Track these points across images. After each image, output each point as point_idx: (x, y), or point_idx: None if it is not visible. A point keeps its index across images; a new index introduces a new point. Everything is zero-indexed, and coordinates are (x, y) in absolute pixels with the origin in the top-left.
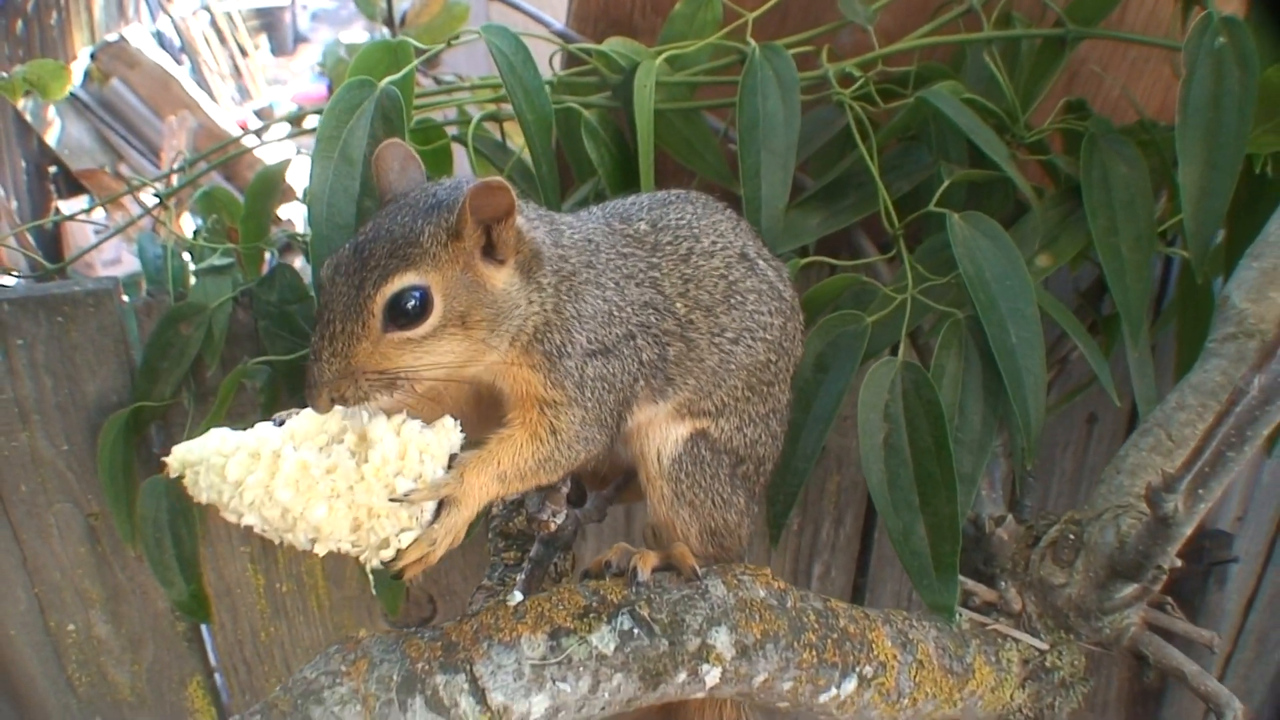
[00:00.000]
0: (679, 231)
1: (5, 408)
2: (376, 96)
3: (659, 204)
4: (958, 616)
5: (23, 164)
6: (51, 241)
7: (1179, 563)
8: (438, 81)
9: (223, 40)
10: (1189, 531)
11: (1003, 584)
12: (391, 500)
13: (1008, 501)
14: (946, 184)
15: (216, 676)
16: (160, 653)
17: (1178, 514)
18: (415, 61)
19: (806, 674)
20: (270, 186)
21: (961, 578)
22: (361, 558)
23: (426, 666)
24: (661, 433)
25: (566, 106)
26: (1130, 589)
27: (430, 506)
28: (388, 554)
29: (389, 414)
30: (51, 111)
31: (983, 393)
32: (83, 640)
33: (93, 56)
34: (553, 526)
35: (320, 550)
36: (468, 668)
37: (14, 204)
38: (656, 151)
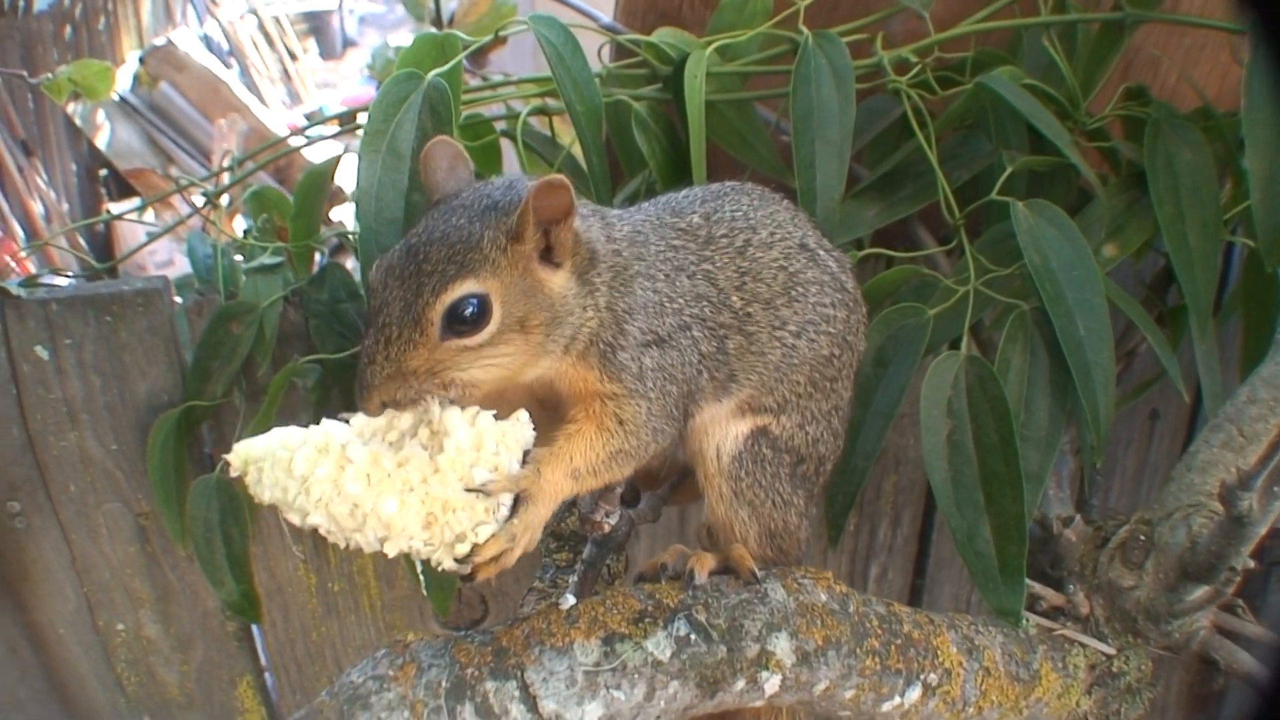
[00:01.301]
0: (734, 224)
1: (54, 407)
2: (424, 89)
3: (713, 196)
4: (1024, 621)
5: (73, 167)
6: (103, 245)
7: (1253, 564)
8: (485, 80)
9: (271, 44)
10: (1264, 530)
11: (1070, 587)
12: (468, 491)
13: (1075, 501)
14: (1009, 171)
15: (267, 676)
16: (210, 652)
17: (1252, 512)
18: (462, 53)
19: (869, 682)
20: (319, 184)
21: (1028, 581)
22: (434, 558)
23: (476, 672)
24: (722, 429)
25: (616, 99)
26: (1201, 591)
27: (508, 500)
28: (463, 549)
29: (462, 407)
30: (101, 115)
31: (1049, 387)
32: (132, 640)
33: (141, 60)
34: (606, 527)
35: (390, 550)
36: (519, 674)
37: (65, 206)
38: (708, 144)
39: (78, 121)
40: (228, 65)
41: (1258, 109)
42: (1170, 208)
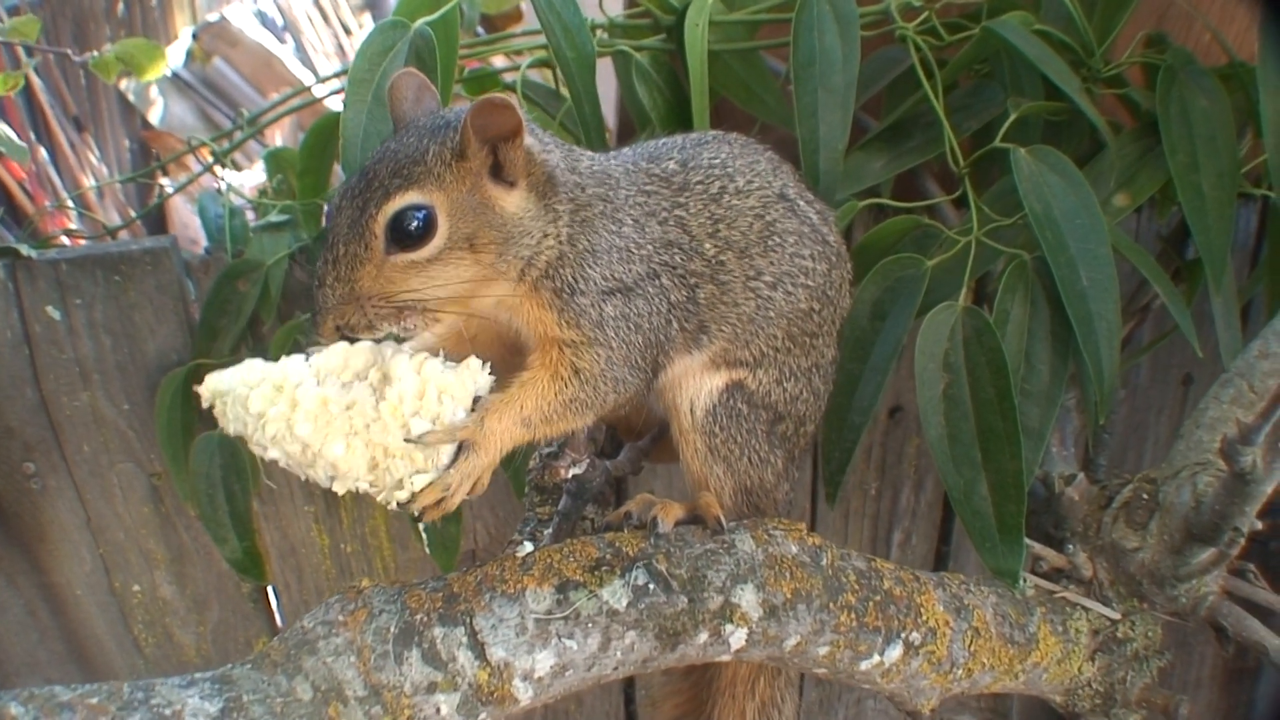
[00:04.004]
0: (711, 171)
1: (66, 367)
2: (410, 37)
3: (693, 144)
4: (1022, 582)
5: (126, 143)
6: (158, 219)
7: (1260, 525)
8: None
9: (325, 19)
10: (1270, 489)
11: (1072, 548)
12: (406, 441)
13: (1081, 460)
14: (1014, 118)
15: None
16: (225, 614)
17: (1256, 469)
18: (454, 1)
19: (845, 638)
20: (325, 140)
21: (1028, 541)
22: (380, 498)
23: (425, 618)
24: (696, 383)
25: (619, 50)
26: (1207, 554)
27: (448, 450)
28: (402, 495)
29: (412, 353)
30: (154, 91)
31: (1051, 341)
32: (148, 601)
33: (194, 36)
34: (563, 474)
35: (339, 489)
36: (468, 620)
37: (118, 182)
38: (716, 96)
39: (130, 97)
40: (282, 40)
41: (1273, 52)
42: (1184, 156)
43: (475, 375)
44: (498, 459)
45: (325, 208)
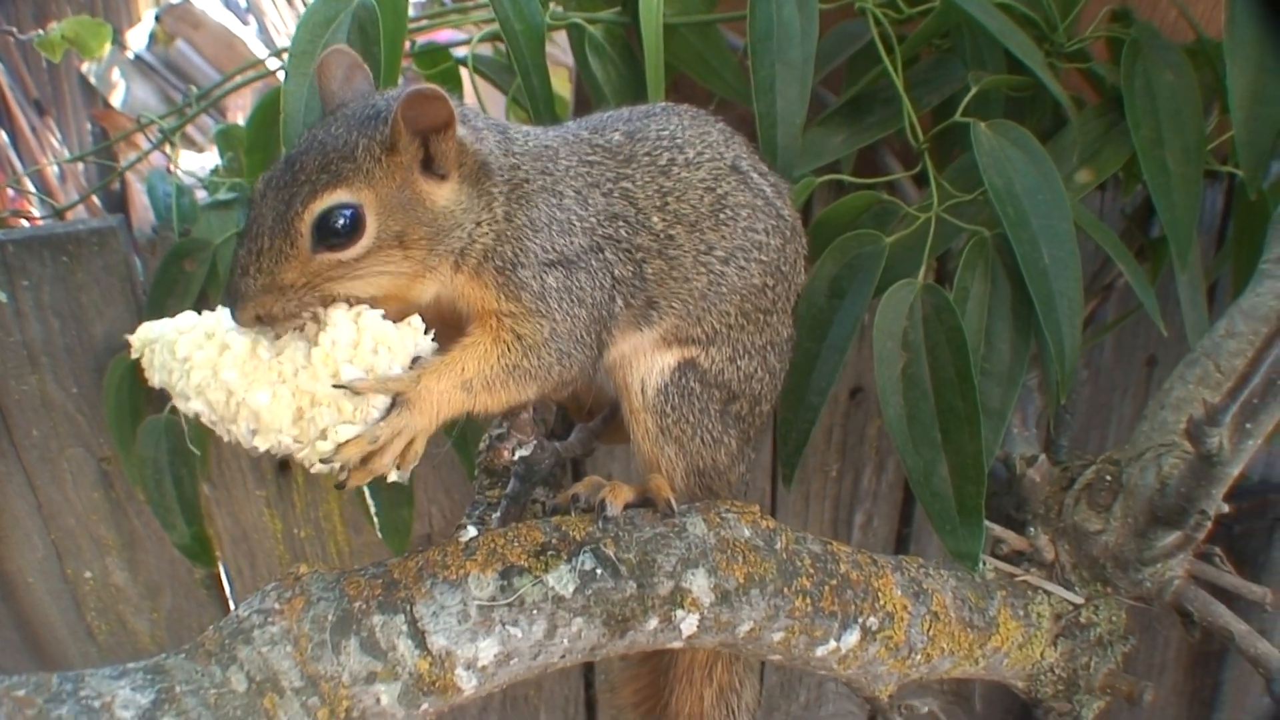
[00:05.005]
0: (659, 142)
1: (14, 350)
2: (352, 8)
3: (641, 116)
4: (982, 565)
5: (88, 126)
6: (119, 202)
7: (1226, 508)
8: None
9: (289, 1)
10: (1236, 471)
11: (1033, 531)
12: (335, 388)
13: (1043, 441)
14: (974, 91)
15: None
16: (179, 600)
17: (1222, 451)
18: None
19: (800, 624)
20: (273, 115)
21: (989, 524)
22: (302, 456)
23: (364, 606)
24: (647, 361)
25: (572, 22)
26: (1172, 537)
27: (380, 404)
28: (325, 447)
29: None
30: (116, 73)
31: (1013, 319)
32: (100, 588)
33: (157, 18)
34: (507, 455)
35: (261, 444)
36: (407, 608)
37: (80, 165)
38: (673, 71)
39: (92, 80)
40: (245, 23)
41: (1241, 24)
42: (1148, 131)
43: (416, 335)
44: (434, 424)
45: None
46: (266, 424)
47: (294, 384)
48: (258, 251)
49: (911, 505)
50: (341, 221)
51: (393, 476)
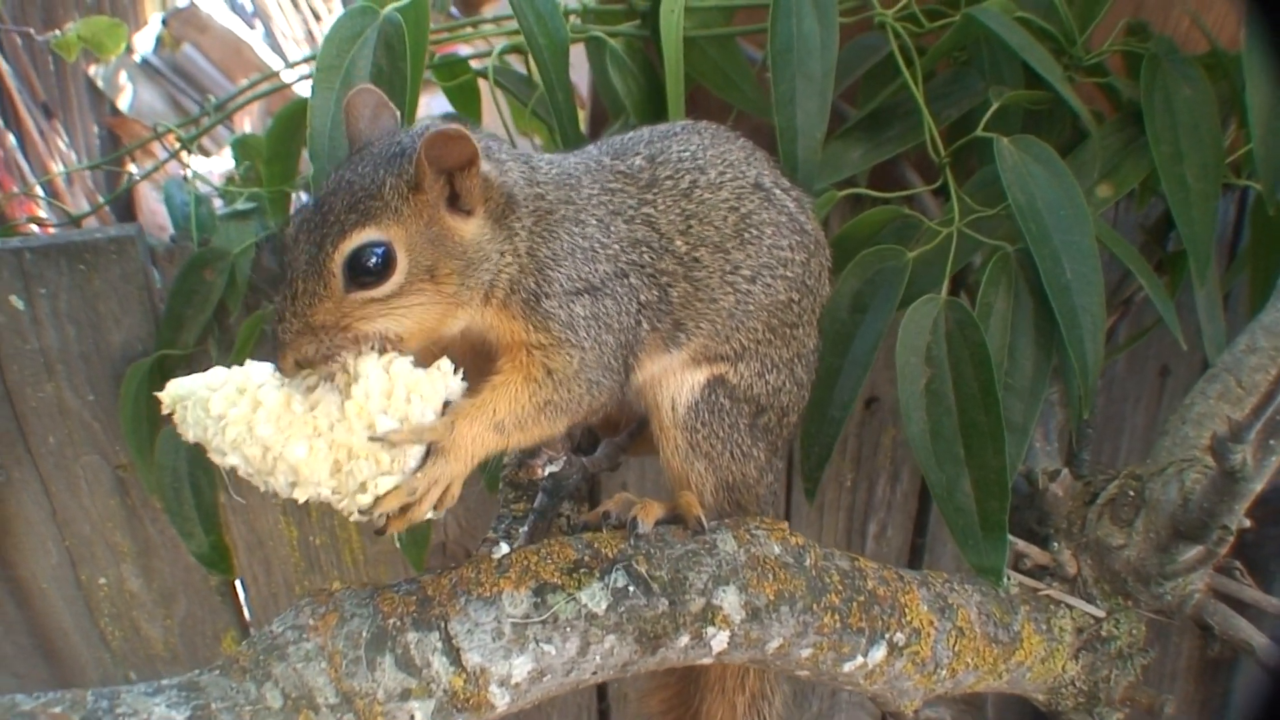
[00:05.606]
0: (681, 164)
1: (31, 358)
2: (379, 24)
3: (661, 137)
4: (1006, 580)
5: (95, 130)
6: (125, 208)
7: (1248, 523)
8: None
9: (295, 5)
10: (1259, 487)
11: (1056, 545)
12: (372, 440)
13: (1064, 455)
14: (996, 106)
15: (251, 631)
16: (193, 607)
17: (1245, 467)
18: None
19: (828, 640)
20: (293, 127)
21: (1011, 538)
22: (342, 506)
23: (399, 623)
24: (677, 380)
25: (593, 36)
26: (1194, 551)
27: (416, 453)
28: (365, 499)
29: (381, 352)
30: (123, 77)
31: (1035, 334)
32: (114, 594)
33: (164, 22)
34: (539, 473)
35: (300, 495)
36: (442, 625)
37: (88, 170)
38: (692, 84)
39: (100, 84)
40: (251, 26)
41: (1259, 39)
42: (1168, 146)
43: (446, 378)
44: (469, 467)
45: (292, 201)
46: (305, 477)
47: (330, 437)
48: (293, 296)
49: (926, 515)
50: (373, 260)
51: (429, 515)
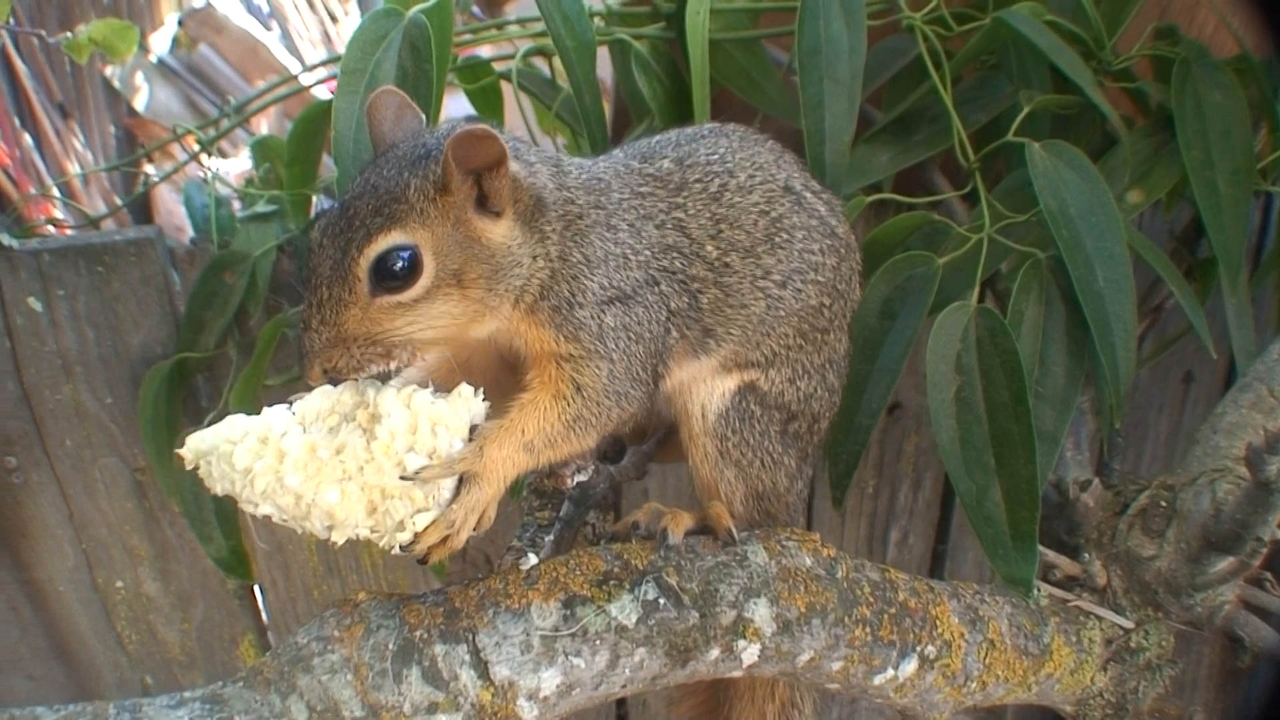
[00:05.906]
0: (710, 168)
1: (48, 360)
2: (404, 26)
3: (689, 139)
4: (1035, 591)
5: (111, 129)
6: (142, 209)
7: None
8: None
9: (312, 6)
10: None
11: (1086, 556)
12: (403, 480)
13: (1094, 464)
14: (1026, 111)
15: (269, 635)
16: (210, 611)
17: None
18: None
19: (859, 653)
20: (314, 130)
21: (1041, 548)
22: (382, 543)
23: (426, 635)
24: (707, 387)
25: (617, 38)
26: (1225, 563)
27: (449, 484)
28: (405, 537)
29: (399, 386)
30: (139, 78)
31: (1066, 342)
32: (131, 597)
33: (180, 23)
34: (569, 483)
35: (338, 538)
36: (470, 637)
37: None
38: (717, 87)
39: (116, 84)
40: (267, 27)
41: None
42: (1198, 152)
43: (469, 403)
44: (502, 489)
45: (314, 208)
46: (341, 520)
47: (361, 479)
48: (318, 303)
49: (947, 522)
50: (399, 264)
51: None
